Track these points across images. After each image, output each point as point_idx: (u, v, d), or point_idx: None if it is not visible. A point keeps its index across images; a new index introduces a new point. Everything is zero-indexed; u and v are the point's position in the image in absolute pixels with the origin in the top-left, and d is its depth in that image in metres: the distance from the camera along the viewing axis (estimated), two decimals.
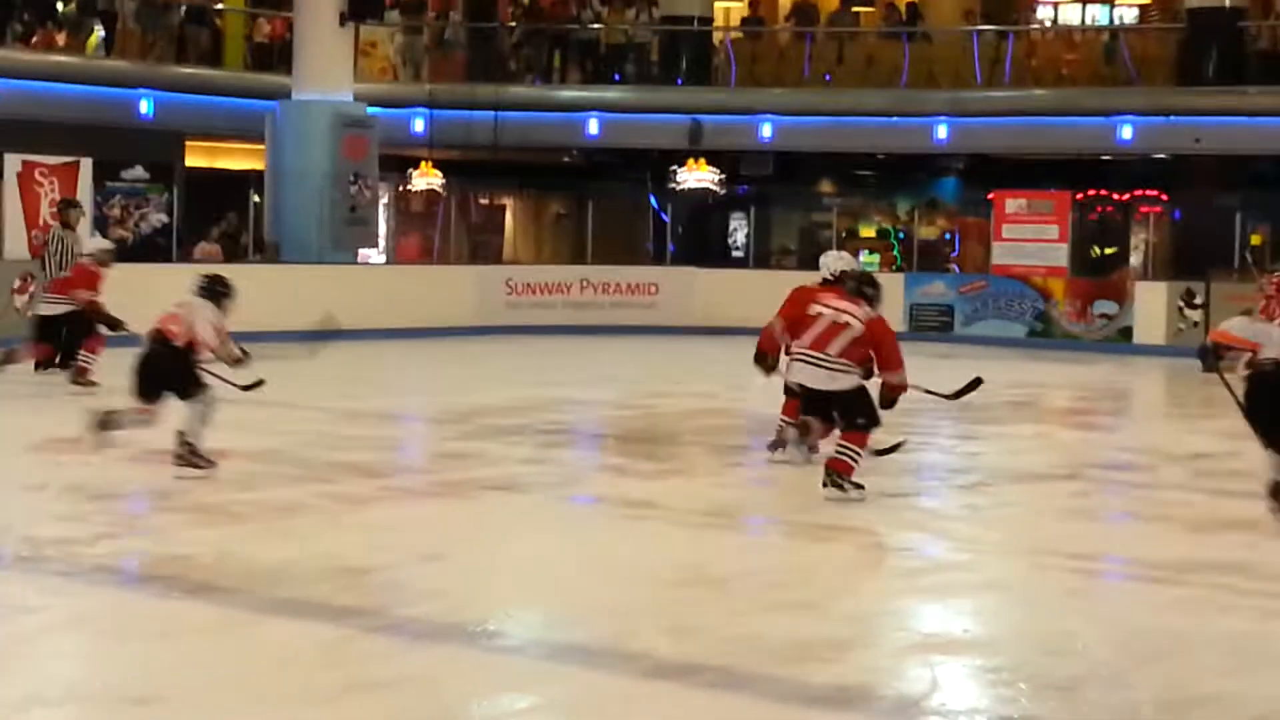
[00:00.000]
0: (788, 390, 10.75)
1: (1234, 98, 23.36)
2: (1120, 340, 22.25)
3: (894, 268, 25.66)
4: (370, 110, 23.23)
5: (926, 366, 17.92)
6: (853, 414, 9.76)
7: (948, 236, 26.59)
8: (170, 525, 8.78)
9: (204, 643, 6.44)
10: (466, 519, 9.37)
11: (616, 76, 26.66)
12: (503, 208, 28.74)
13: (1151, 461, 12.51)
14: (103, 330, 14.14)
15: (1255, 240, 24.18)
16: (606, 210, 26.47)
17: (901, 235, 26.47)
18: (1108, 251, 25.06)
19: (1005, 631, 7.13)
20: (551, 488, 10.58)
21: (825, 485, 9.62)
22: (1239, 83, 23.58)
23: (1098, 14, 31.00)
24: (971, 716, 5.89)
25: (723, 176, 25.69)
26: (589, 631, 6.76)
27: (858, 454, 9.65)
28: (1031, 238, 23.43)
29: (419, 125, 25.19)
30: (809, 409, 10.26)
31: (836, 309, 9.86)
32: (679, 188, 25.66)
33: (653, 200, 26.40)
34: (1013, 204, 23.89)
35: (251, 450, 11.01)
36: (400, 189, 25.57)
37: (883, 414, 9.87)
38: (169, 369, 9.87)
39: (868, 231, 27.22)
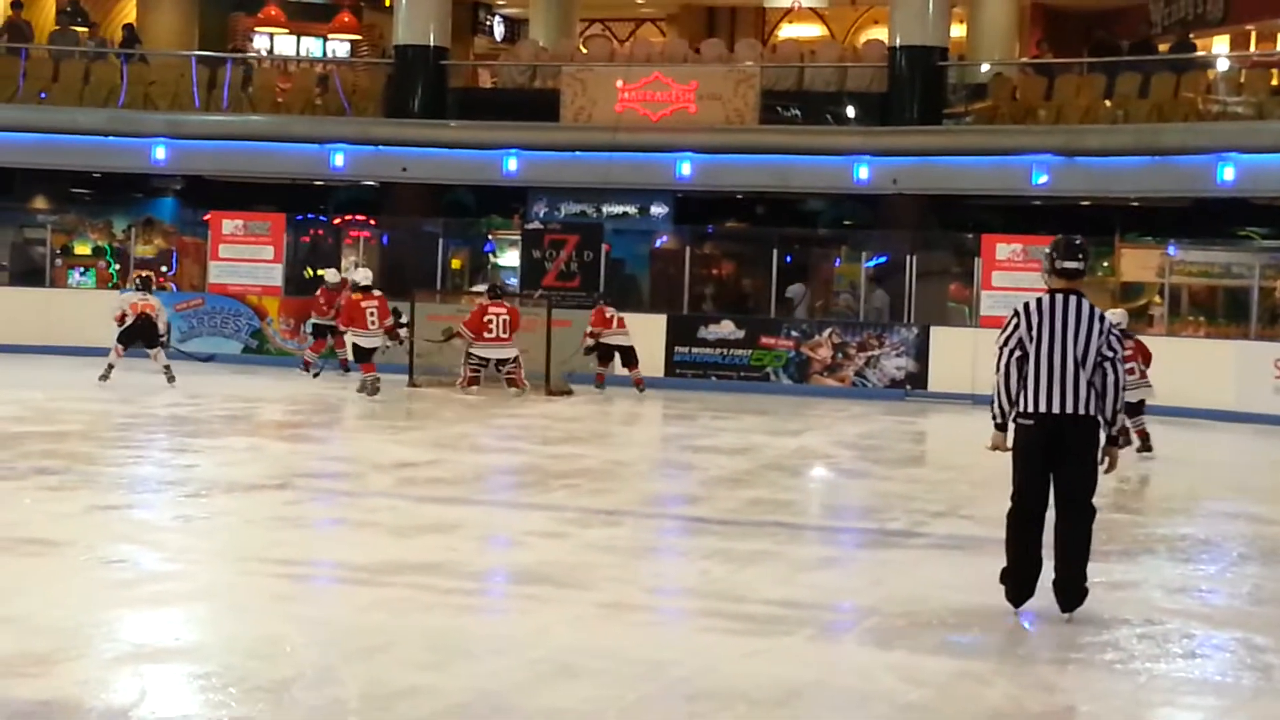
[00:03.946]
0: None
1: (436, 130, 24.70)
2: (333, 356, 22.99)
3: (109, 285, 25.20)
4: None
5: (136, 384, 17.96)
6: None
7: (164, 258, 26.40)
8: None
9: None
10: None
11: None
12: None
13: (359, 470, 12.90)
14: None
15: (455, 264, 25.73)
16: None
17: (118, 253, 26.05)
18: (320, 272, 25.78)
19: (216, 638, 7.19)
20: None
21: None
22: (441, 117, 24.99)
23: (312, 46, 31.97)
24: None
25: None
26: None
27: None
28: (248, 258, 23.85)
29: None
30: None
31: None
32: None
33: None
34: (230, 225, 24.14)
35: None
36: None
37: None
38: (151, 331, 18.88)
39: (83, 249, 26.56)
